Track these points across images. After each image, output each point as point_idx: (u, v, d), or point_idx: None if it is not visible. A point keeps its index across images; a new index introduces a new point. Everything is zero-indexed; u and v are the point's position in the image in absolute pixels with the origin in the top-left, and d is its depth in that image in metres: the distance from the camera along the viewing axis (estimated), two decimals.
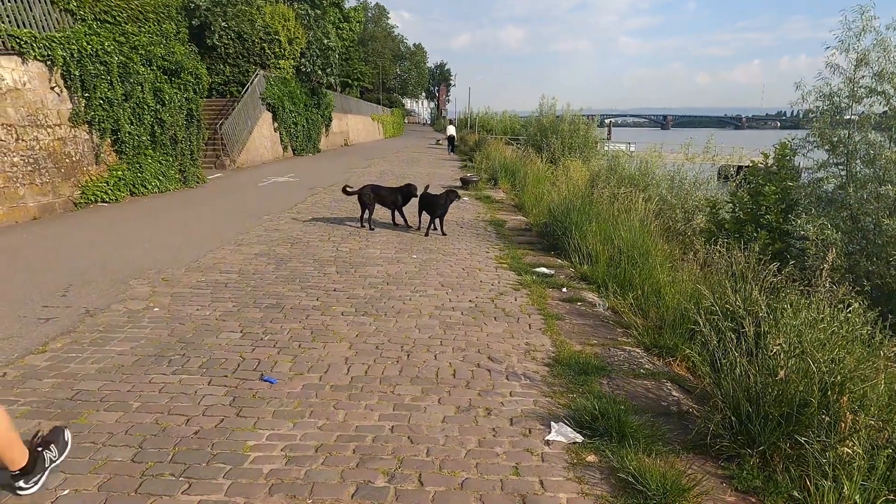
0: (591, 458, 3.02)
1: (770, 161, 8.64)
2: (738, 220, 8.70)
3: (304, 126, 25.69)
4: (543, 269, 6.93)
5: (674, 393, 3.84)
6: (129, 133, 10.95)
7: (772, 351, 3.15)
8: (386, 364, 4.11)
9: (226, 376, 3.83)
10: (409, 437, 3.16)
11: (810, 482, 2.61)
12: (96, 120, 10.18)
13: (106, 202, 10.26)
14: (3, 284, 5.75)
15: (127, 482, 2.69)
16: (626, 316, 5.17)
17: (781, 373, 2.95)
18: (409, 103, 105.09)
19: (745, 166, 13.05)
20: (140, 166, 11.28)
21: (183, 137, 12.81)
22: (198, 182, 13.65)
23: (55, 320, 4.77)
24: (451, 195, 8.80)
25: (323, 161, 23.47)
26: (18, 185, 8.50)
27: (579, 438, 3.15)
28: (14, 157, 8.46)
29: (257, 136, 20.83)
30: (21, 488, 2.60)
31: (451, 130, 37.60)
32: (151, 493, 2.61)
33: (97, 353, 4.14)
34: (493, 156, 18.47)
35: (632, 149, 40.34)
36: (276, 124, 22.81)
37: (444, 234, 8.88)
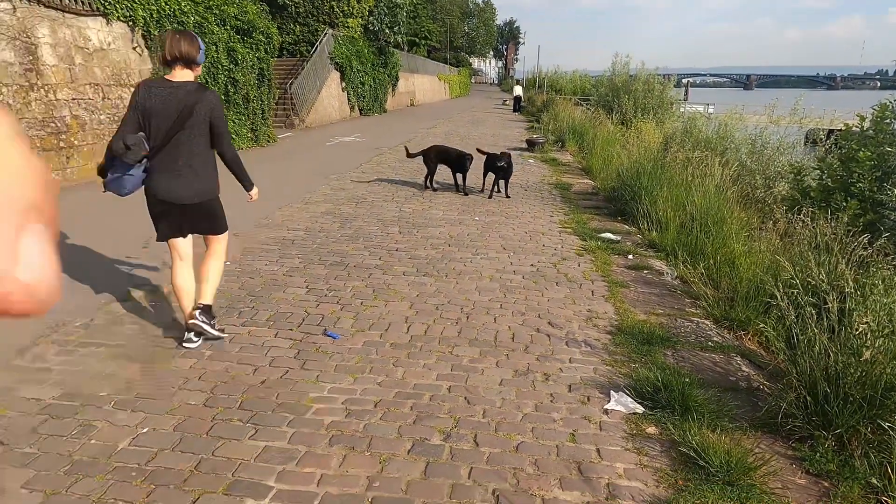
0: (651, 429, 2.95)
1: (867, 124, 7.93)
2: (825, 187, 8.09)
3: (370, 86, 25.76)
4: (609, 235, 6.72)
5: (743, 368, 3.67)
6: None
7: (857, 330, 2.94)
8: (445, 325, 4.13)
9: (291, 330, 3.97)
10: (465, 398, 3.18)
11: (892, 470, 2.44)
12: None
13: None
14: (92, 236, 6.15)
15: (200, 424, 2.86)
16: (696, 286, 4.96)
17: (867, 353, 2.75)
18: (475, 62, 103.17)
19: (837, 130, 12.08)
20: None
21: (254, 97, 13.12)
22: (269, 141, 14.02)
23: (138, 270, 5.07)
24: (503, 157, 8.56)
25: (388, 121, 23.55)
26: (105, 141, 8.99)
27: (640, 409, 3.08)
28: (101, 115, 8.94)
29: (325, 95, 21.08)
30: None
31: (518, 91, 37.54)
32: (221, 437, 2.77)
33: (174, 304, 4.38)
34: (560, 117, 17.92)
35: (710, 110, 38.22)
36: (343, 84, 22.99)
37: (507, 196, 8.75)
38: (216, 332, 3.68)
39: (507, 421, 2.98)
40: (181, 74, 3.38)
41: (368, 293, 4.71)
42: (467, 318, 4.28)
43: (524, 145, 15.32)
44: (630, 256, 5.95)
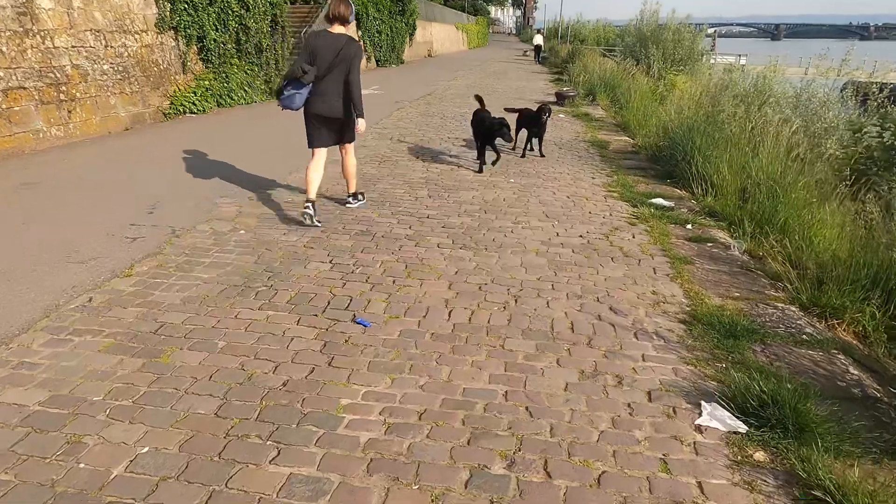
0: (759, 455, 2.40)
1: None
2: (891, 147, 7.30)
3: (387, 35, 24.60)
4: (661, 201, 6.06)
5: (851, 370, 3.09)
6: (215, 40, 10.57)
7: None
8: (492, 310, 3.58)
9: (315, 315, 3.44)
10: (527, 408, 2.65)
11: None
12: (182, 25, 9.83)
13: (193, 113, 10.10)
14: (94, 199, 5.62)
15: (210, 442, 2.37)
16: (774, 263, 4.33)
17: None
18: (494, 11, 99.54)
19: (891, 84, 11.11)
20: (226, 76, 10.98)
21: (268, 45, 12.34)
22: None
23: (142, 240, 4.55)
24: (546, 110, 7.77)
25: (406, 73, 22.54)
26: (110, 94, 8.39)
27: (742, 428, 2.52)
28: (104, 64, 8.29)
29: None
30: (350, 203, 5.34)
31: (539, 40, 36.59)
32: (237, 460, 2.27)
33: (183, 280, 3.87)
34: (590, 69, 16.87)
35: (742, 62, 36.39)
36: (359, 33, 21.90)
37: (542, 155, 8.06)
38: (356, 203, 5.51)
39: (580, 441, 2.45)
40: (338, 28, 4.77)
41: (400, 269, 4.15)
42: (516, 301, 3.71)
43: (552, 98, 14.42)
44: (689, 226, 5.31)
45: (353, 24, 4.51)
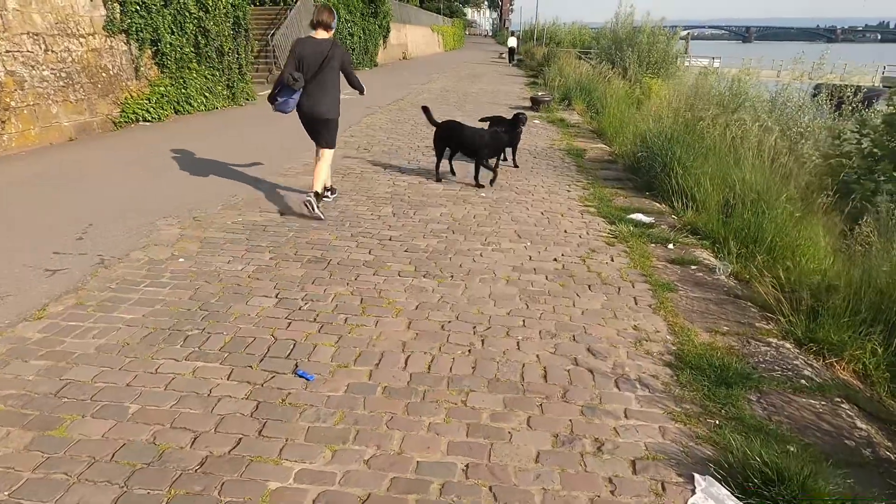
0: None
1: None
2: (869, 154, 7.09)
3: (360, 37, 24.09)
4: (640, 217, 5.71)
5: (858, 424, 2.74)
6: (171, 44, 9.98)
7: None
8: (455, 355, 3.16)
9: (251, 367, 2.98)
10: (490, 489, 2.23)
11: None
12: (133, 28, 9.24)
13: (148, 121, 9.51)
14: (15, 223, 5.07)
15: None
16: (763, 290, 3.98)
17: None
18: (470, 13, 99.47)
19: (865, 87, 11.01)
20: (184, 81, 10.40)
21: (230, 49, 11.77)
22: (248, 99, 12.72)
23: (63, 272, 4.03)
24: (521, 119, 7.36)
25: (380, 76, 22.06)
26: (51, 102, 7.78)
27: None
28: (43, 70, 7.68)
29: None
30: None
31: (512, 42, 37.50)
32: None
33: (102, 322, 3.37)
34: (566, 72, 16.60)
35: (716, 65, 36.64)
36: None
37: (516, 165, 7.68)
38: (319, 213, 5.24)
39: None
40: (322, 34, 5.10)
41: (355, 304, 3.71)
42: (482, 342, 3.30)
43: (527, 103, 14.09)
44: (671, 246, 4.96)
45: (335, 29, 5.21)
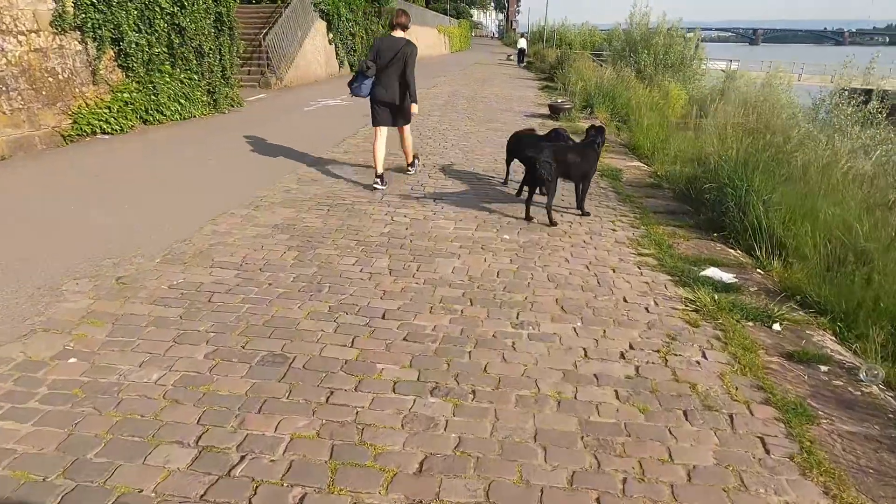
0: None
1: None
2: None
3: (362, 38, 22.70)
4: (716, 273, 4.30)
5: None
6: (137, 43, 8.60)
7: None
8: None
9: None
10: None
11: None
12: (90, 25, 7.85)
13: (107, 133, 8.12)
14: None
15: None
16: None
17: None
18: (476, 15, 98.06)
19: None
20: (154, 87, 9.01)
21: (211, 50, 10.39)
22: (232, 105, 11.35)
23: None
24: (599, 134, 5.59)
25: None
26: None
27: None
28: None
29: (309, 49, 18.18)
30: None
31: (522, 43, 36.96)
32: None
33: None
34: (586, 76, 15.16)
35: (734, 67, 35.19)
36: (330, 35, 20.01)
37: (583, 212, 5.64)
38: (413, 170, 6.89)
39: None
40: (399, 33, 6.08)
41: (321, 457, 2.30)
42: None
43: (544, 110, 12.68)
44: (777, 327, 3.54)
45: (408, 29, 6.23)
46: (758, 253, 4.70)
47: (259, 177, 6.57)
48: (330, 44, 20.08)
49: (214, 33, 10.56)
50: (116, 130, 8.21)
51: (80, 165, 6.76)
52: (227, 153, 7.74)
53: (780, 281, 4.38)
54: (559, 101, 12.33)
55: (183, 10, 9.49)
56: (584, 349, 3.19)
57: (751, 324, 3.58)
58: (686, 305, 3.77)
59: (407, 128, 6.46)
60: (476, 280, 4.04)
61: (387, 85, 6.02)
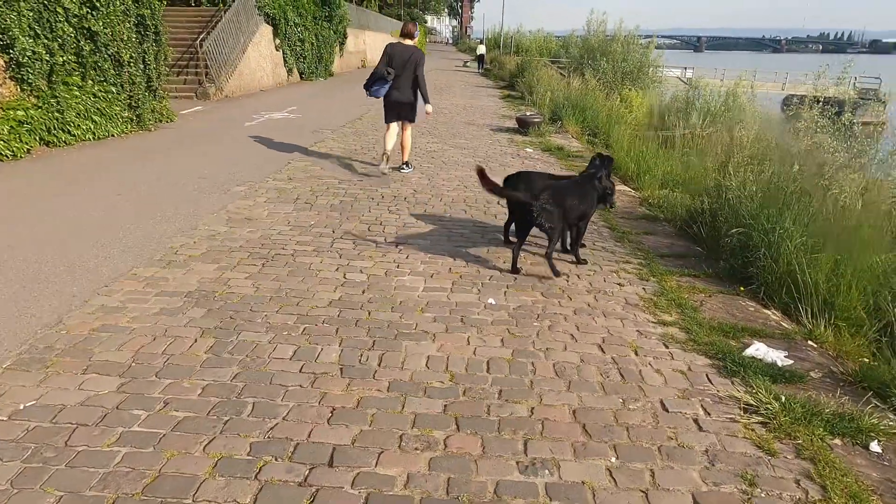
0: None
1: None
2: None
3: (313, 44, 21.42)
4: (765, 351, 3.35)
5: None
6: (32, 51, 7.18)
7: None
8: None
9: None
10: None
11: None
12: None
13: None
14: None
15: None
16: None
17: None
18: (430, 21, 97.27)
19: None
20: (59, 102, 7.60)
21: (133, 58, 9.01)
22: (160, 120, 9.95)
23: None
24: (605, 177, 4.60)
25: (335, 88, 19.44)
26: None
27: None
28: None
29: (253, 55, 16.78)
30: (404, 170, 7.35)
31: (482, 50, 37.33)
32: None
33: None
34: (554, 86, 14.33)
35: (689, 75, 35.36)
36: (277, 41, 18.65)
37: (579, 260, 4.63)
38: (409, 170, 7.40)
39: None
40: (408, 41, 6.78)
41: None
42: None
43: (511, 123, 11.74)
44: (875, 447, 2.59)
45: (416, 37, 6.85)
46: (802, 317, 3.79)
47: (178, 217, 5.33)
48: (277, 50, 18.71)
49: (137, 39, 9.17)
50: (7, 156, 6.78)
51: None
52: (142, 184, 6.44)
53: (836, 355, 3.49)
54: (528, 113, 11.41)
55: (94, 13, 8.10)
56: None
57: (838, 441, 2.62)
58: (745, 411, 2.79)
59: (410, 127, 7.23)
60: (460, 380, 2.95)
61: (400, 87, 6.75)
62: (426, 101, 6.89)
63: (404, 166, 7.40)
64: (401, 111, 6.91)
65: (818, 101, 8.67)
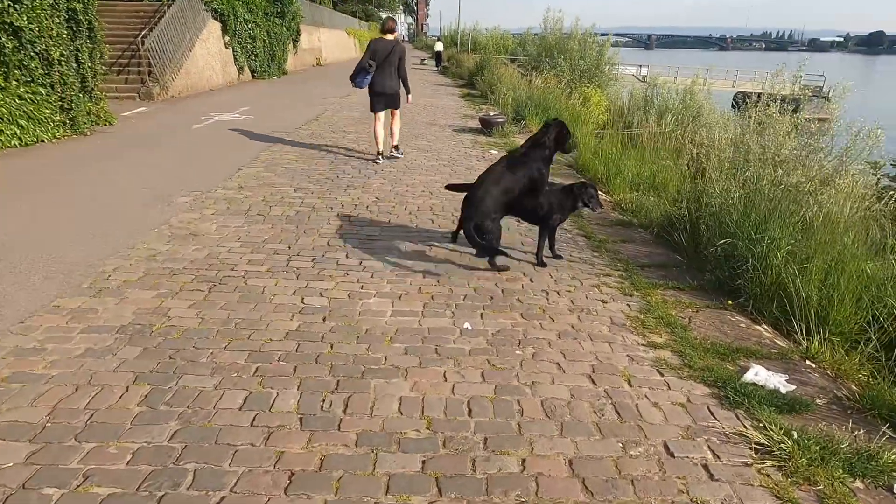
0: None
1: None
2: None
3: (264, 41, 20.62)
4: (765, 376, 3.10)
5: None
6: None
7: None
8: None
9: None
10: None
11: None
12: None
13: None
14: None
15: None
16: None
17: None
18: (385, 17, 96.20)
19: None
20: None
21: (64, 56, 8.26)
22: (97, 123, 9.21)
23: None
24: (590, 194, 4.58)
25: (289, 87, 18.73)
26: None
27: None
28: None
29: (201, 53, 15.95)
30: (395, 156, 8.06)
31: (439, 47, 37.85)
32: None
33: None
34: (516, 85, 14.07)
35: (643, 73, 35.84)
36: (227, 38, 17.82)
37: (540, 263, 4.54)
38: (400, 155, 8.04)
39: None
40: (389, 36, 7.47)
41: None
42: None
43: (474, 123, 11.42)
44: None
45: (397, 32, 7.59)
46: (796, 333, 3.57)
47: (112, 235, 4.77)
48: (227, 47, 17.89)
49: (68, 35, 8.42)
50: None
51: None
52: (73, 196, 5.82)
53: (835, 375, 3.27)
54: (491, 113, 11.09)
55: (17, 6, 7.36)
56: None
57: (860, 484, 2.37)
58: (756, 452, 2.51)
59: (398, 112, 7.95)
60: (439, 426, 2.58)
61: (385, 78, 7.40)
62: (407, 91, 7.71)
63: (395, 151, 8.06)
64: (387, 100, 7.60)
65: (776, 100, 8.61)
